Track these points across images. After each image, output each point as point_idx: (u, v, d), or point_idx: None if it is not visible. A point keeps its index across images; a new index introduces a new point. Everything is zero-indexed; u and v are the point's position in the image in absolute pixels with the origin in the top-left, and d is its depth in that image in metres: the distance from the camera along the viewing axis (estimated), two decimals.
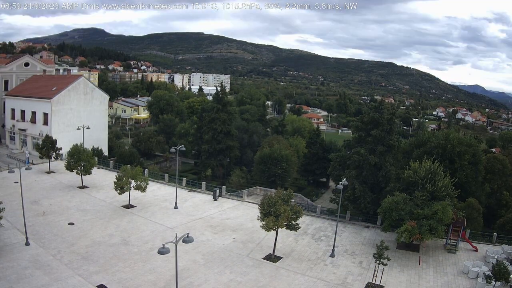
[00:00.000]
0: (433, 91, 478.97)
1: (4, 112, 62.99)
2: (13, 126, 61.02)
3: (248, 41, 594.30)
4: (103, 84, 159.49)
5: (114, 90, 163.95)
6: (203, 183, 46.87)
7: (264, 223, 27.99)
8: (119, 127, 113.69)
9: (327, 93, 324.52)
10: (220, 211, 39.63)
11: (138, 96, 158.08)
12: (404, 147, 47.67)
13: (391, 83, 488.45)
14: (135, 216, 36.23)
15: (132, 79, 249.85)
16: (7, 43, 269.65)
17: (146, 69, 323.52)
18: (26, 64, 67.85)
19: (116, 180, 37.03)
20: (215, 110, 64.29)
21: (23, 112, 59.81)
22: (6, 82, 64.69)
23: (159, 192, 43.92)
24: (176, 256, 18.91)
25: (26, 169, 36.22)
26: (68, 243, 29.17)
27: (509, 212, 41.09)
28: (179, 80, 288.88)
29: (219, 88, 68.09)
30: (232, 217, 38.06)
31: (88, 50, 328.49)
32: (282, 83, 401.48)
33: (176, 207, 39.00)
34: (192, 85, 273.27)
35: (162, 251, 18.38)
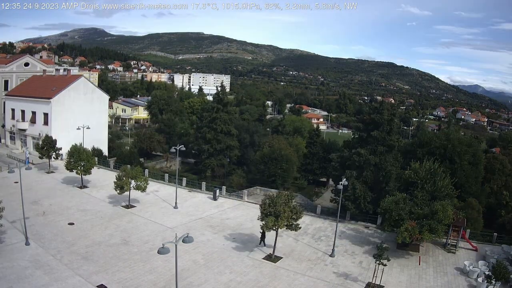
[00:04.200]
0: (433, 91, 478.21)
1: (4, 112, 62.96)
2: (13, 126, 60.99)
3: (248, 41, 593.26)
4: (103, 84, 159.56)
5: (114, 90, 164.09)
6: (203, 183, 46.85)
7: (263, 222, 28.01)
8: (119, 127, 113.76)
9: (327, 93, 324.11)
10: (220, 211, 39.63)
11: (138, 96, 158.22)
12: (404, 147, 47.73)
13: (391, 83, 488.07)
14: (135, 216, 36.22)
15: (132, 79, 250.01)
16: (7, 43, 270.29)
17: (146, 69, 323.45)
18: (26, 64, 67.82)
19: (116, 180, 37.05)
20: (215, 110, 64.33)
21: (23, 112, 59.79)
22: (6, 82, 64.65)
23: (159, 192, 43.92)
24: (176, 256, 18.90)
25: (26, 169, 36.20)
26: (68, 243, 29.16)
27: (509, 212, 41.10)
28: (179, 80, 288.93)
29: (219, 88, 68.11)
30: (232, 217, 38.05)
31: (88, 50, 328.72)
32: (282, 83, 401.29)
33: (176, 207, 39.01)
34: (192, 85, 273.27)
35: (162, 251, 18.38)
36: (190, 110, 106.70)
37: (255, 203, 40.52)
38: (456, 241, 32.03)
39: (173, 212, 38.05)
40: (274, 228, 27.99)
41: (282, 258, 29.38)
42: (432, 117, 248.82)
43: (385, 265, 24.93)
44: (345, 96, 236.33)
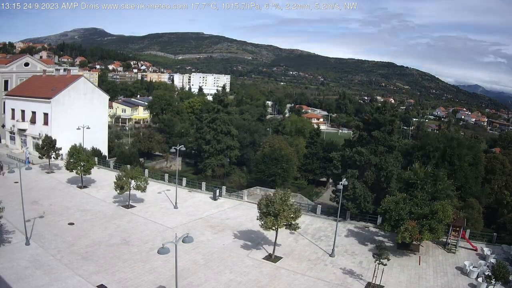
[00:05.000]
0: (433, 91, 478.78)
1: (4, 112, 63.00)
2: (13, 126, 61.02)
3: (248, 41, 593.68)
4: (103, 84, 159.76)
5: (114, 90, 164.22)
6: (203, 183, 46.85)
7: (262, 222, 27.99)
8: (119, 127, 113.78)
9: (327, 93, 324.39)
10: (220, 211, 39.63)
11: (138, 96, 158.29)
12: (405, 148, 47.75)
13: (391, 83, 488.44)
14: (135, 216, 36.22)
15: (132, 79, 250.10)
16: (7, 43, 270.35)
17: (146, 69, 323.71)
18: (26, 64, 67.89)
19: (116, 180, 37.05)
20: (215, 110, 64.36)
21: (23, 112, 59.82)
22: (6, 82, 64.74)
23: (159, 192, 43.92)
24: (176, 256, 18.90)
25: (26, 169, 36.20)
26: (68, 243, 29.16)
27: (509, 212, 41.12)
28: (179, 80, 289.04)
29: (220, 90, 68.23)
30: (232, 217, 38.04)
31: (88, 50, 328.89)
32: (282, 83, 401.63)
33: (176, 207, 39.01)
34: (192, 85, 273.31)
35: (162, 251, 18.38)
36: (190, 110, 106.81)
37: (255, 203, 40.47)
38: (456, 241, 32.03)
39: (173, 212, 38.05)
40: (273, 227, 27.98)
41: (282, 258, 29.38)
42: (432, 117, 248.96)
43: (385, 264, 24.91)
44: (345, 96, 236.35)
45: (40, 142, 51.73)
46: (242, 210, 40.23)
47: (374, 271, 25.64)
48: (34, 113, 58.38)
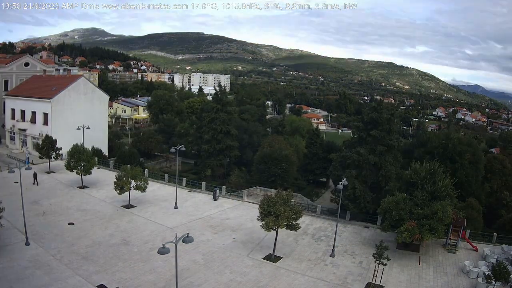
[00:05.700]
0: (433, 91, 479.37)
1: (4, 112, 62.96)
2: (13, 126, 60.98)
3: (248, 41, 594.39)
4: (103, 84, 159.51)
5: (114, 90, 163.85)
6: (203, 183, 46.84)
7: (263, 222, 28.00)
8: (119, 127, 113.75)
9: (327, 93, 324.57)
10: (220, 211, 39.63)
11: (138, 96, 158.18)
12: (404, 147, 47.76)
13: (391, 83, 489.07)
14: (135, 216, 36.23)
15: (132, 79, 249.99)
16: (7, 43, 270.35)
17: (146, 69, 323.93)
18: (26, 64, 67.87)
19: (116, 180, 37.05)
20: (215, 110, 64.25)
21: (23, 112, 59.79)
22: (6, 82, 64.71)
23: (159, 192, 43.91)
24: (176, 256, 18.91)
25: (26, 169, 36.12)
26: (68, 243, 29.17)
27: (509, 212, 41.09)
28: (179, 80, 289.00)
29: (217, 89, 68.00)
30: (232, 217, 38.05)
31: (88, 50, 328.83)
32: (282, 83, 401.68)
33: (176, 207, 39.00)
34: (192, 85, 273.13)
35: (162, 251, 18.39)
36: (190, 110, 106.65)
37: (255, 203, 40.48)
38: (456, 241, 32.04)
39: (173, 212, 38.05)
40: (274, 228, 27.99)
41: (282, 258, 29.38)
42: (432, 117, 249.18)
43: (385, 264, 24.93)
44: (345, 96, 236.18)
45: (40, 142, 51.72)
46: (242, 210, 40.24)
47: (374, 271, 25.66)
48: (34, 113, 58.35)
